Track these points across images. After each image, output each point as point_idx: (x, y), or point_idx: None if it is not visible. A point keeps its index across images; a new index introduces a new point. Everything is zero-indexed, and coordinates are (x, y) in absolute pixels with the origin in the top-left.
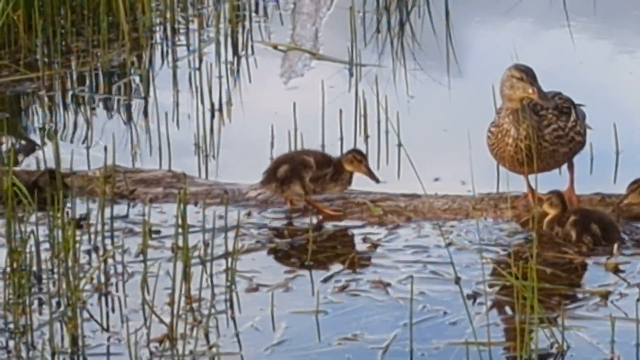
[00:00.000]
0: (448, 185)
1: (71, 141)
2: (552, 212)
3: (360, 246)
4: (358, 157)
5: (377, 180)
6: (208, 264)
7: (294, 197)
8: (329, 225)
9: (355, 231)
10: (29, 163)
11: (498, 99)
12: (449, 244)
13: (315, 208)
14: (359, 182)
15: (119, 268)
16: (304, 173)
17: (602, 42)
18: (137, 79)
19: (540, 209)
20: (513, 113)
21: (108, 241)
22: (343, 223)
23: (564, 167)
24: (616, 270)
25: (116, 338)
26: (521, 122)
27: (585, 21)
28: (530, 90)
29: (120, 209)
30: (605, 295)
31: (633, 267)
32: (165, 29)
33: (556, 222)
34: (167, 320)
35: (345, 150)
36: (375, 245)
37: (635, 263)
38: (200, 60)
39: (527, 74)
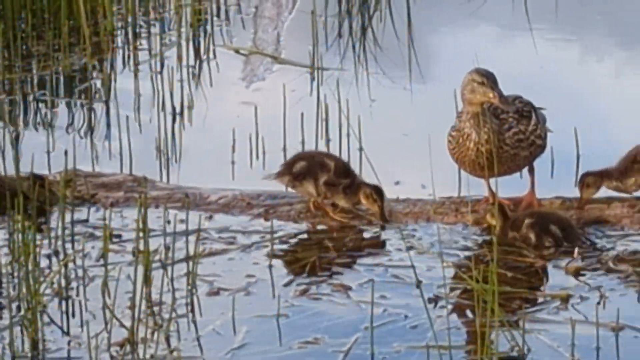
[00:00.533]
0: (409, 189)
1: (32, 145)
2: (495, 223)
3: (321, 250)
4: (374, 196)
5: (387, 222)
6: (169, 268)
7: (304, 194)
8: (289, 229)
9: (317, 235)
10: None
11: (459, 103)
12: (410, 248)
13: (323, 211)
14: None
15: (80, 272)
16: (319, 174)
17: (563, 47)
18: (98, 82)
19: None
20: (474, 117)
21: (69, 245)
22: (305, 227)
23: (525, 170)
24: (577, 274)
25: (77, 342)
26: (482, 126)
27: (547, 26)
28: (491, 95)
29: (81, 213)
30: (565, 299)
31: (593, 270)
32: (126, 33)
33: (509, 228)
34: (128, 324)
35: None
36: (336, 249)
37: (596, 266)
38: (162, 64)
39: (488, 78)
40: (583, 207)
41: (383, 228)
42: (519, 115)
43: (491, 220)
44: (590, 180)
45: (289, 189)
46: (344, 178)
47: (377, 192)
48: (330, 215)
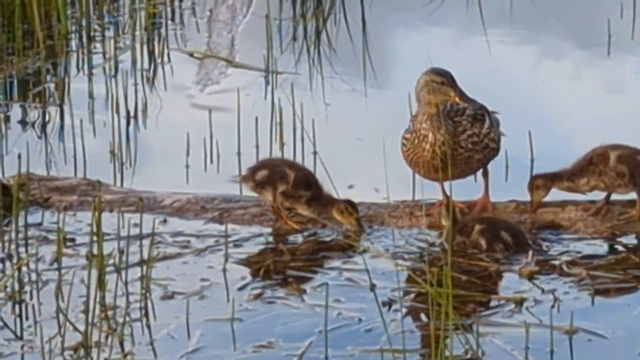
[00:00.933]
0: (362, 192)
1: None
2: (446, 223)
3: (276, 254)
4: (349, 210)
5: (363, 231)
6: (123, 272)
7: (266, 200)
8: (244, 233)
9: (271, 238)
10: None
11: (414, 107)
12: (364, 251)
13: (279, 217)
14: None
15: (33, 276)
16: (278, 184)
17: (518, 50)
18: (52, 86)
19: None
20: (430, 118)
21: (22, 249)
22: (258, 230)
23: (479, 174)
24: (531, 278)
25: (30, 346)
26: (438, 128)
27: (502, 29)
28: (452, 94)
29: (35, 216)
30: (519, 302)
31: (547, 274)
32: (80, 37)
33: (457, 232)
34: (82, 328)
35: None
36: (290, 253)
37: (549, 270)
38: (116, 68)
39: (447, 77)
40: (535, 210)
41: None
42: (473, 119)
43: (444, 221)
44: (539, 182)
45: (244, 193)
46: (304, 190)
47: (351, 206)
48: (285, 220)
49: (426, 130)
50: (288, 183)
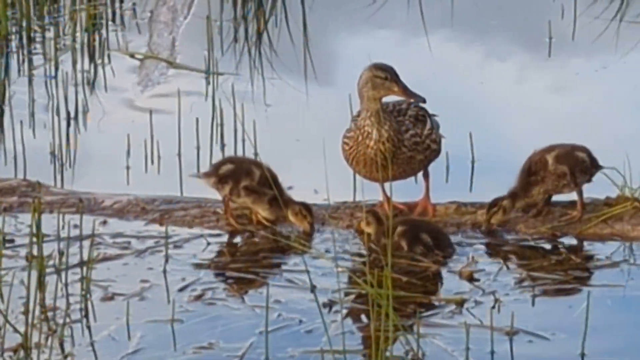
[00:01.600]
0: (302, 193)
1: None
2: (369, 230)
3: (216, 255)
4: (304, 212)
5: (311, 236)
6: (63, 273)
7: (223, 196)
8: (184, 234)
9: (211, 239)
10: None
11: (355, 107)
12: (305, 252)
13: (225, 211)
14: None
15: None
16: (242, 179)
17: (459, 52)
18: None
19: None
20: (375, 115)
21: None
22: (198, 231)
23: (420, 176)
24: (471, 279)
25: None
26: (382, 124)
27: (443, 32)
28: (396, 88)
29: None
30: (460, 303)
31: (487, 275)
32: (21, 38)
33: (381, 235)
34: (22, 329)
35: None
36: (231, 254)
37: (490, 271)
38: (57, 69)
39: (390, 72)
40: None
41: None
42: (414, 119)
43: (366, 228)
44: (507, 204)
45: (185, 194)
46: (268, 189)
47: (305, 209)
48: (229, 215)
49: (370, 127)
50: (253, 179)
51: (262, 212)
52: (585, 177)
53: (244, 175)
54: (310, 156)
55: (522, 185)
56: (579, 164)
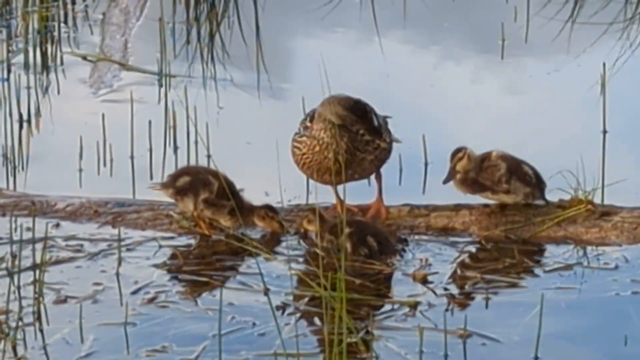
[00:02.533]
0: (253, 196)
1: None
2: (312, 228)
3: (169, 257)
4: (270, 214)
5: (285, 232)
6: (15, 276)
7: (184, 209)
8: (137, 237)
9: (164, 242)
10: None
11: (307, 109)
12: (258, 255)
13: (199, 227)
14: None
15: None
16: (200, 191)
17: (411, 54)
18: None
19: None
20: (334, 127)
21: None
22: (151, 234)
23: (373, 178)
24: (424, 281)
25: None
26: (342, 136)
27: (396, 33)
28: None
29: None
30: (414, 306)
31: (441, 277)
32: None
33: (327, 232)
34: None
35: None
36: (184, 257)
37: (443, 273)
38: (9, 71)
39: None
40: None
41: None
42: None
43: (308, 225)
44: (471, 152)
45: (137, 197)
46: (226, 200)
47: (271, 210)
48: (205, 231)
49: (329, 139)
50: (212, 192)
51: (224, 222)
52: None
53: (201, 188)
54: (263, 159)
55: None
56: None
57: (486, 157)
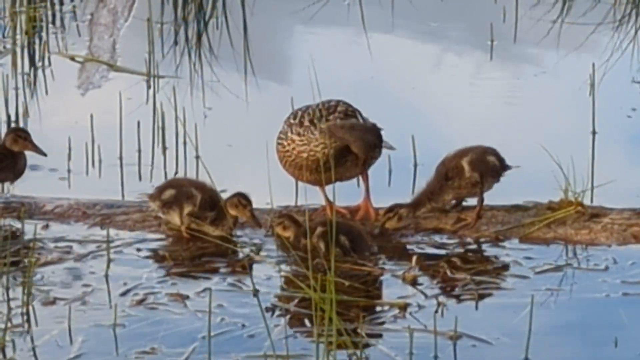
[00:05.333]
0: None
1: None
2: (288, 234)
3: (158, 259)
4: (243, 202)
5: (260, 226)
6: (4, 277)
7: (170, 221)
8: (126, 238)
9: (153, 244)
10: None
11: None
12: (248, 256)
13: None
14: None
15: None
16: (185, 204)
17: (399, 55)
18: None
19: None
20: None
21: None
22: (140, 235)
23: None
24: (414, 283)
25: None
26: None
27: (384, 33)
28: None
29: None
30: (403, 307)
31: (431, 279)
32: None
33: (301, 236)
34: None
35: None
36: (173, 259)
37: (433, 275)
38: None
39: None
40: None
41: (260, 227)
42: (344, 115)
43: (282, 232)
44: (404, 212)
45: (126, 199)
46: (210, 211)
47: (244, 199)
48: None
49: (322, 155)
50: (195, 205)
51: (211, 232)
52: (495, 180)
53: (185, 201)
54: (251, 160)
55: (434, 188)
56: (489, 170)
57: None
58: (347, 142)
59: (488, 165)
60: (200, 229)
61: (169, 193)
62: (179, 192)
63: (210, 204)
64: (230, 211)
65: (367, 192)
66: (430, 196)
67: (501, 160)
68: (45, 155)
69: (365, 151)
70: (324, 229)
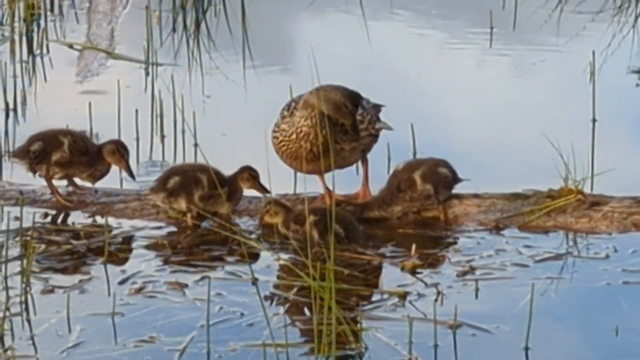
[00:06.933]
0: None
1: None
2: (277, 220)
3: (157, 247)
4: (253, 174)
5: (269, 192)
6: (3, 266)
7: (177, 210)
8: (125, 227)
9: (152, 232)
10: None
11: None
12: (246, 244)
13: (191, 224)
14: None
15: None
16: (194, 189)
17: (398, 43)
18: None
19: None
20: (314, 117)
21: None
22: (138, 223)
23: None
24: (413, 271)
25: None
26: (322, 128)
27: (383, 21)
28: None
29: None
30: (403, 296)
31: (430, 267)
32: None
33: (291, 221)
34: None
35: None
36: (172, 247)
37: (432, 263)
38: None
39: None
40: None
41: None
42: None
43: (272, 219)
44: (351, 209)
45: (124, 187)
46: (221, 187)
47: (252, 170)
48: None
49: (308, 128)
50: (204, 187)
51: (222, 210)
52: (448, 193)
53: (194, 186)
54: (250, 148)
55: (385, 197)
56: (442, 181)
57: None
58: (319, 107)
59: (440, 177)
60: (207, 213)
61: (174, 181)
62: (185, 178)
63: (219, 181)
64: (242, 185)
65: (365, 179)
66: (380, 203)
67: (453, 172)
68: (134, 179)
69: (335, 111)
70: (317, 218)
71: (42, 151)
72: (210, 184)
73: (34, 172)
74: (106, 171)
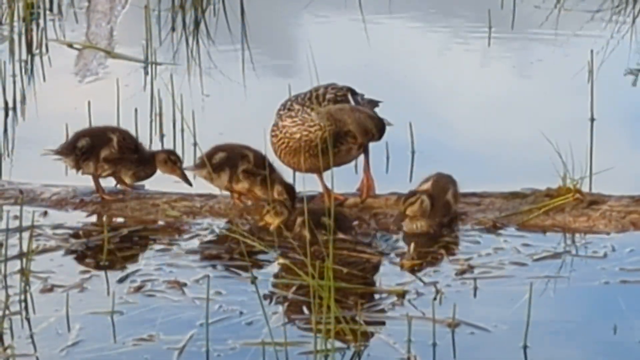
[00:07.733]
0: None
1: None
2: (280, 220)
3: (156, 246)
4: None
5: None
6: (2, 265)
7: (221, 186)
8: (124, 225)
9: (151, 231)
10: None
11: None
12: (245, 243)
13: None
14: (154, 183)
15: None
16: (239, 164)
17: (396, 41)
18: None
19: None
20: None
21: None
22: (138, 223)
23: (361, 168)
24: (412, 270)
25: None
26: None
27: (381, 20)
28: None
29: None
30: (401, 295)
31: (429, 266)
32: None
33: (284, 227)
34: None
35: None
36: (171, 245)
37: (431, 262)
38: None
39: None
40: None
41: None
42: (334, 103)
43: (274, 219)
44: (425, 199)
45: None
46: (262, 169)
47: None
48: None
49: (312, 122)
50: (250, 162)
51: (258, 192)
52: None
53: (240, 160)
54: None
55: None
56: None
57: None
58: (346, 124)
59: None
60: (250, 189)
61: (219, 156)
62: (231, 153)
63: (261, 162)
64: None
65: (366, 163)
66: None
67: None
68: (191, 185)
69: (363, 135)
70: (303, 218)
71: (89, 147)
72: (257, 161)
73: (79, 169)
74: (150, 175)
